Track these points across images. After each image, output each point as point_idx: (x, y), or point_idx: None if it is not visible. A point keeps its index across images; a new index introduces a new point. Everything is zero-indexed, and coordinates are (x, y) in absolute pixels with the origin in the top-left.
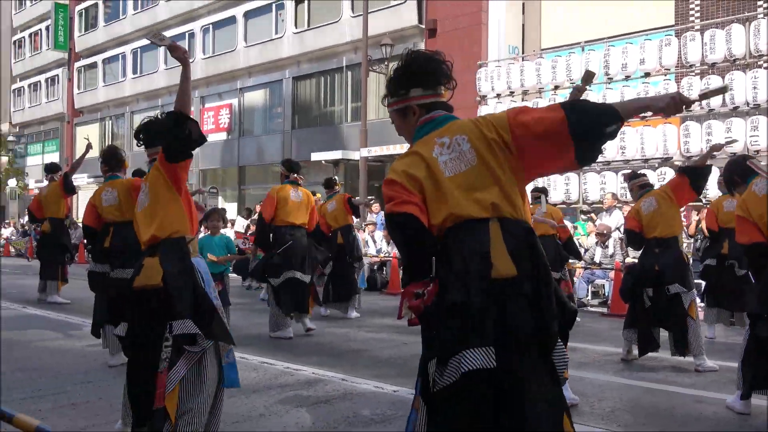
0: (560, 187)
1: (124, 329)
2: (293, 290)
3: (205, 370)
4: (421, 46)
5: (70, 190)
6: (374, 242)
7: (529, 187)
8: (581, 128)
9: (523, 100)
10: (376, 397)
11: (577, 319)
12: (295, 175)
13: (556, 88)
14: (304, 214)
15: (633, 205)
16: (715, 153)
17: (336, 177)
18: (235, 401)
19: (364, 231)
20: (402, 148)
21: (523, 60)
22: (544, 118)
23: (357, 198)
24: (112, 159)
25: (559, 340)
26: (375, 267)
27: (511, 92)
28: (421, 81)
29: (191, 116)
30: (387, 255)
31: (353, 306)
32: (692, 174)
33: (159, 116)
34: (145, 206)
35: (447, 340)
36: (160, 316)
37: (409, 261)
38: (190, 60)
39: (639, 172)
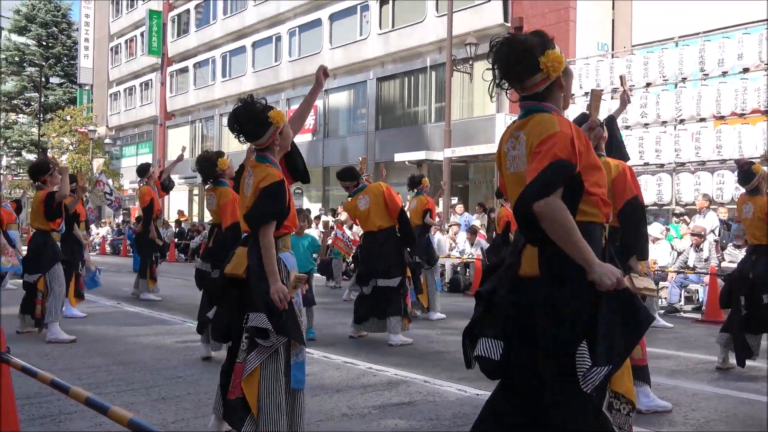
0: (652, 188)
1: (213, 313)
2: (375, 297)
3: (279, 365)
4: None
5: (166, 188)
6: (456, 244)
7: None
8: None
9: (612, 98)
10: (459, 399)
11: (670, 325)
12: (347, 183)
13: (648, 85)
14: (378, 217)
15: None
16: None
17: (423, 173)
18: (318, 400)
19: (447, 232)
20: (487, 148)
21: (612, 57)
22: (527, 179)
23: (429, 219)
24: (202, 167)
25: None
26: (458, 269)
27: (600, 90)
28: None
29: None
30: (470, 257)
31: (434, 308)
32: None
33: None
34: (247, 195)
35: None
36: (242, 305)
37: None
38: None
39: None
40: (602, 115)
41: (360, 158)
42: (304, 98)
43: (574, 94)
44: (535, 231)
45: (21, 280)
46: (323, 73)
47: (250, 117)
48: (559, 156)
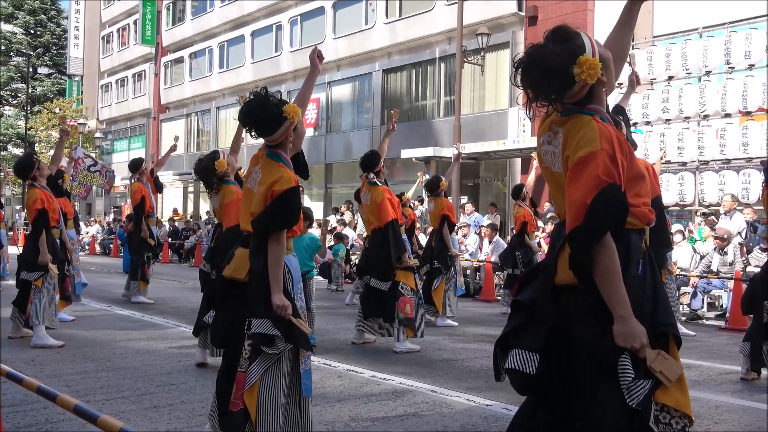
0: (674, 187)
1: (211, 317)
2: (368, 295)
3: (281, 374)
4: (521, 35)
5: (160, 187)
6: (466, 246)
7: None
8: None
9: (635, 92)
10: (468, 410)
11: (692, 333)
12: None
13: (670, 78)
14: (374, 217)
15: None
16: None
17: (442, 177)
18: (319, 410)
19: (457, 233)
20: (498, 144)
21: (633, 48)
22: (570, 207)
23: (453, 251)
24: (202, 177)
25: None
26: (467, 272)
27: (619, 83)
28: None
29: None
30: (483, 257)
31: (444, 314)
32: None
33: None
34: (254, 192)
35: None
36: (243, 311)
37: None
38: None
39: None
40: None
41: (392, 111)
42: (301, 87)
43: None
44: (584, 270)
45: (8, 282)
46: (317, 56)
47: (263, 111)
48: (604, 180)
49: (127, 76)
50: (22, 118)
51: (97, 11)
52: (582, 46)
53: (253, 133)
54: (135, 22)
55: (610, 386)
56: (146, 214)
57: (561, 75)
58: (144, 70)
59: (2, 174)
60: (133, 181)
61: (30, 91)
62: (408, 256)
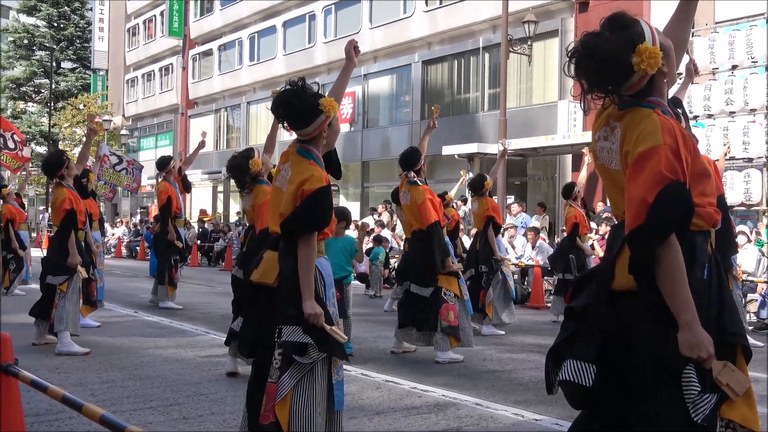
0: (739, 185)
1: (239, 324)
2: (408, 303)
3: (315, 385)
4: (570, 23)
5: (188, 187)
6: (513, 248)
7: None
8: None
9: (693, 82)
10: (516, 425)
11: (760, 343)
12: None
13: (734, 68)
14: (414, 218)
15: None
16: None
17: (486, 175)
18: (355, 423)
19: (503, 235)
20: (547, 140)
21: (693, 35)
22: (630, 205)
23: (499, 255)
24: (235, 176)
25: None
26: (515, 276)
27: (678, 73)
28: None
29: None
30: (529, 260)
31: (489, 321)
32: None
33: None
34: (283, 191)
35: None
36: (272, 318)
37: None
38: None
39: None
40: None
41: (434, 106)
42: (335, 80)
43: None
44: (645, 274)
45: (30, 285)
46: (353, 48)
47: (300, 101)
48: (667, 176)
49: (153, 70)
50: (45, 114)
51: (122, 2)
52: (641, 34)
53: (285, 125)
54: (161, 14)
55: (672, 398)
56: (173, 216)
57: (618, 64)
58: (171, 64)
59: (25, 173)
60: (159, 180)
61: (53, 86)
62: (451, 260)
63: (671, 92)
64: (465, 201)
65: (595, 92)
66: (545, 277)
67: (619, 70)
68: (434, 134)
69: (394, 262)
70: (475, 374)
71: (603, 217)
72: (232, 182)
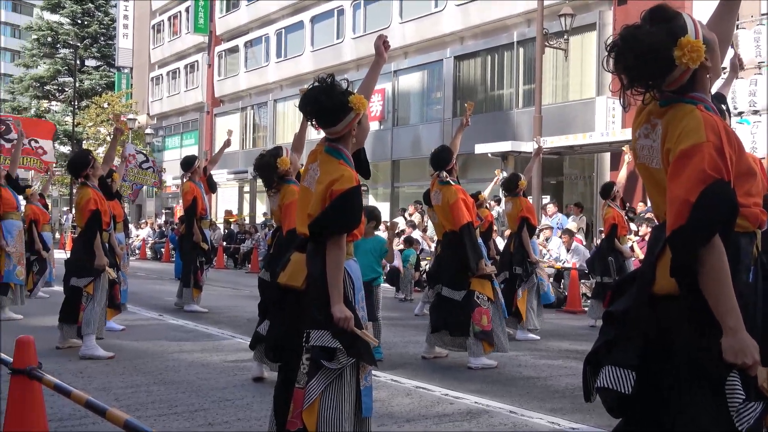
0: None
1: (265, 328)
2: (439, 306)
3: (343, 391)
4: (609, 16)
5: (213, 187)
6: (548, 250)
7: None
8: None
9: (737, 77)
10: None
11: None
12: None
13: None
14: (445, 219)
15: None
16: None
17: (521, 174)
18: (386, 430)
19: (539, 237)
20: (584, 137)
21: (738, 28)
22: (671, 204)
23: (533, 257)
24: (262, 175)
25: None
26: (551, 280)
27: (723, 68)
28: None
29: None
30: (565, 265)
31: (524, 326)
32: None
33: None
34: (311, 191)
35: None
36: (300, 321)
37: None
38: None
39: None
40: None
41: (467, 103)
42: (364, 77)
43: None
44: (688, 276)
45: (53, 288)
46: (383, 43)
47: (329, 97)
48: (711, 175)
49: (178, 68)
50: (69, 113)
51: None
52: (683, 27)
53: (314, 123)
54: (187, 10)
55: (715, 406)
56: (198, 216)
57: (660, 58)
58: (197, 61)
59: (49, 173)
60: (184, 180)
61: (77, 85)
62: (484, 262)
63: (715, 87)
64: (498, 201)
65: (635, 87)
66: (582, 281)
67: (660, 63)
68: (467, 132)
69: (425, 265)
70: (509, 381)
71: (644, 217)
72: (259, 182)
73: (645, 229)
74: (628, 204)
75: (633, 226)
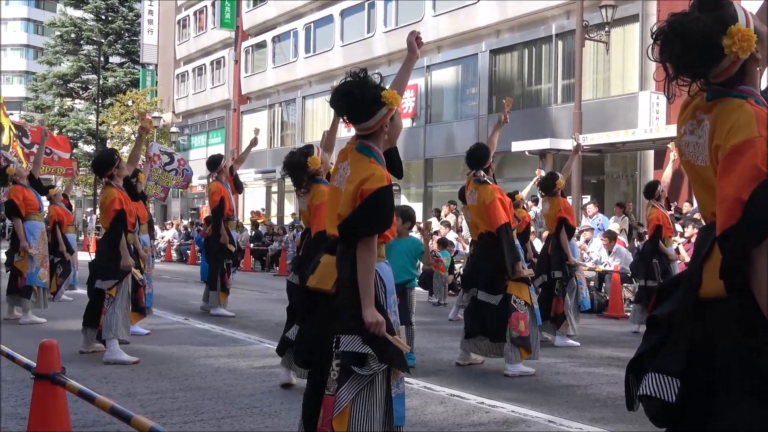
0: None
1: (294, 333)
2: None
3: (375, 398)
4: (653, 6)
5: (240, 187)
6: (588, 253)
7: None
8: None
9: None
10: None
11: None
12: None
13: None
14: (481, 219)
15: None
16: None
17: (558, 173)
18: None
19: (579, 238)
20: (627, 134)
21: None
22: (721, 203)
23: (572, 260)
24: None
25: None
26: (591, 284)
27: None
28: None
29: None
30: (606, 268)
31: (563, 332)
32: None
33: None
34: (341, 190)
35: None
36: (329, 326)
37: None
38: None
39: None
40: None
41: (505, 99)
42: (396, 74)
43: None
44: (738, 277)
45: (77, 291)
46: (416, 39)
47: (359, 92)
48: (764, 171)
49: (204, 64)
50: (93, 112)
51: None
52: (734, 16)
53: (345, 118)
54: (213, 4)
55: (764, 417)
56: (226, 217)
57: (708, 46)
58: (223, 57)
59: (73, 173)
60: (211, 180)
61: (101, 82)
62: (522, 265)
63: (765, 82)
64: (536, 201)
65: (681, 77)
66: (624, 284)
67: (708, 51)
68: (502, 129)
69: (459, 267)
70: (547, 389)
71: (691, 218)
72: (288, 182)
73: (691, 230)
74: (673, 204)
75: (678, 227)
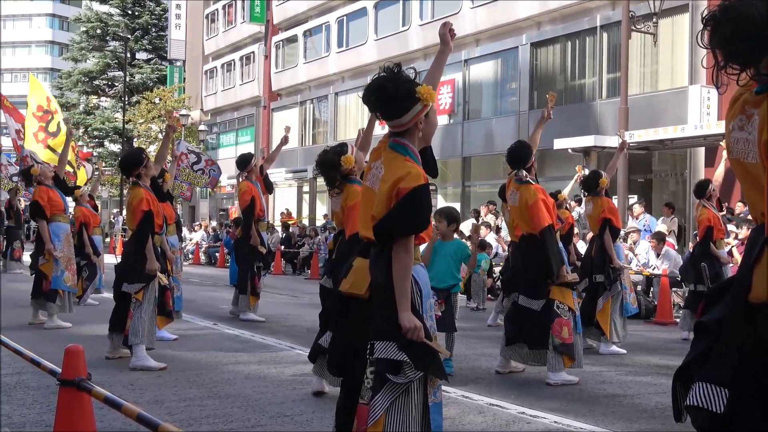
0: None
1: (327, 340)
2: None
3: (410, 407)
4: None
5: (270, 187)
6: (635, 255)
7: None
8: None
9: None
10: None
11: None
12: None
13: None
14: (523, 221)
15: None
16: None
17: (602, 172)
18: None
19: (626, 240)
20: (676, 131)
21: None
22: None
23: (616, 262)
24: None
25: None
26: (638, 288)
27: None
28: None
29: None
30: (654, 271)
31: (606, 339)
32: None
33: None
34: (374, 191)
35: None
36: (363, 332)
37: None
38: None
39: None
40: None
41: (549, 94)
42: (429, 68)
43: None
44: None
45: (103, 294)
46: (449, 31)
47: (393, 86)
48: None
49: (233, 60)
50: (119, 109)
51: None
52: None
53: (378, 114)
54: None
55: None
56: (256, 218)
57: (762, 32)
58: (253, 52)
59: (98, 173)
60: (241, 179)
61: (128, 79)
62: (566, 269)
63: None
64: (579, 202)
65: (731, 65)
66: (674, 289)
67: (759, 39)
68: (545, 126)
69: (498, 271)
70: (591, 399)
71: (744, 219)
72: (320, 182)
73: (745, 232)
74: (725, 204)
75: (731, 228)
